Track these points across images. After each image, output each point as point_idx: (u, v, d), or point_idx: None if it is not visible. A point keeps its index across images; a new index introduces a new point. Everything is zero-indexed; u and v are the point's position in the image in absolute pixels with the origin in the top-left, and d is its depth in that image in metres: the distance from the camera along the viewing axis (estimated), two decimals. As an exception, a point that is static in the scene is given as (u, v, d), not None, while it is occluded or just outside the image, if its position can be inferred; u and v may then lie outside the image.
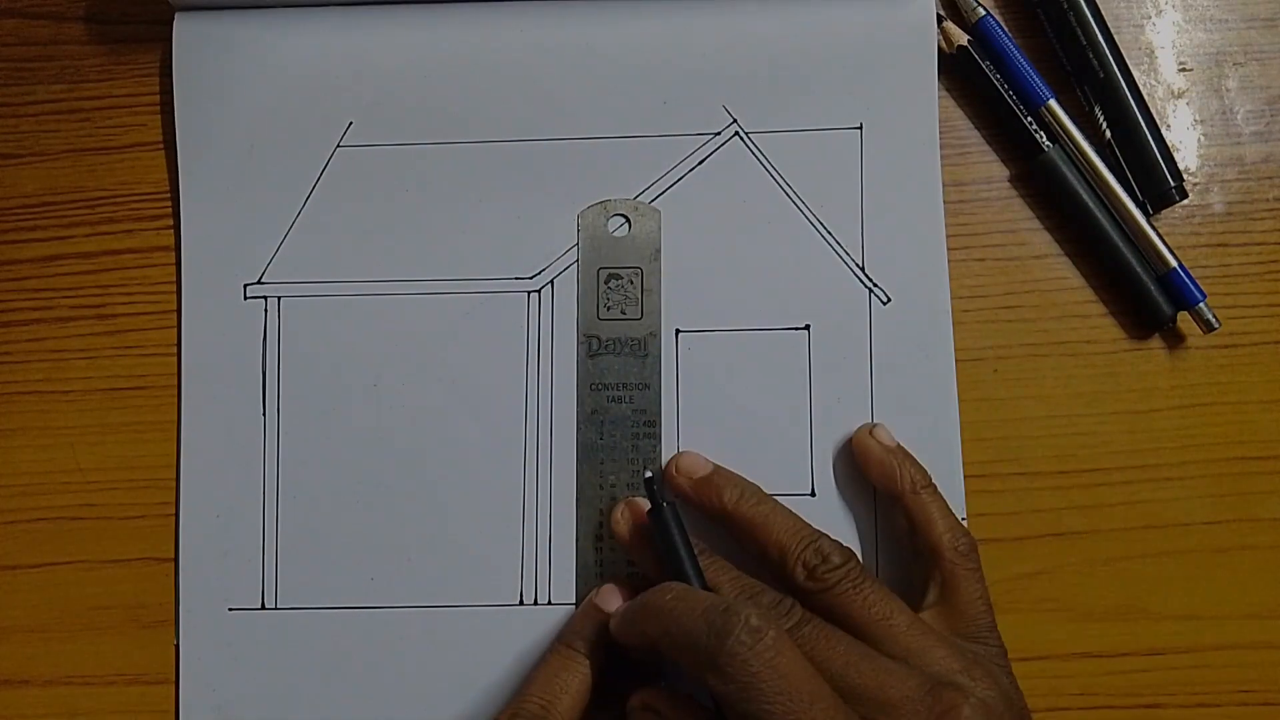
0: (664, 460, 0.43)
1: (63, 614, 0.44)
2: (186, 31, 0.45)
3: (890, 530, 0.42)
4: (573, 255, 0.44)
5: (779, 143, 0.44)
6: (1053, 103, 0.44)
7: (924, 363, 0.43)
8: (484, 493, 0.43)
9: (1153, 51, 0.45)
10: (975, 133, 0.45)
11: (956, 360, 0.43)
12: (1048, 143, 0.44)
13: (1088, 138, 0.44)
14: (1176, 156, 0.44)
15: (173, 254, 0.45)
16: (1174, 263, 0.43)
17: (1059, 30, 0.44)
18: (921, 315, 0.43)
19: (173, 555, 0.44)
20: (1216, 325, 0.43)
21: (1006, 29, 0.45)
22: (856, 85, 0.44)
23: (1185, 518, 0.43)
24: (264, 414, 0.44)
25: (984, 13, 0.44)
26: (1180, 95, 0.45)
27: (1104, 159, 0.44)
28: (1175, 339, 0.44)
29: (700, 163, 0.44)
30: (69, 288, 0.45)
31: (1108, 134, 0.44)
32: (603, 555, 0.43)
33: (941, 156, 0.44)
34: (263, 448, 0.44)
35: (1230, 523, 0.43)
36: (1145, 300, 0.43)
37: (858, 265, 0.43)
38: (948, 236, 0.44)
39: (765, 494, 0.40)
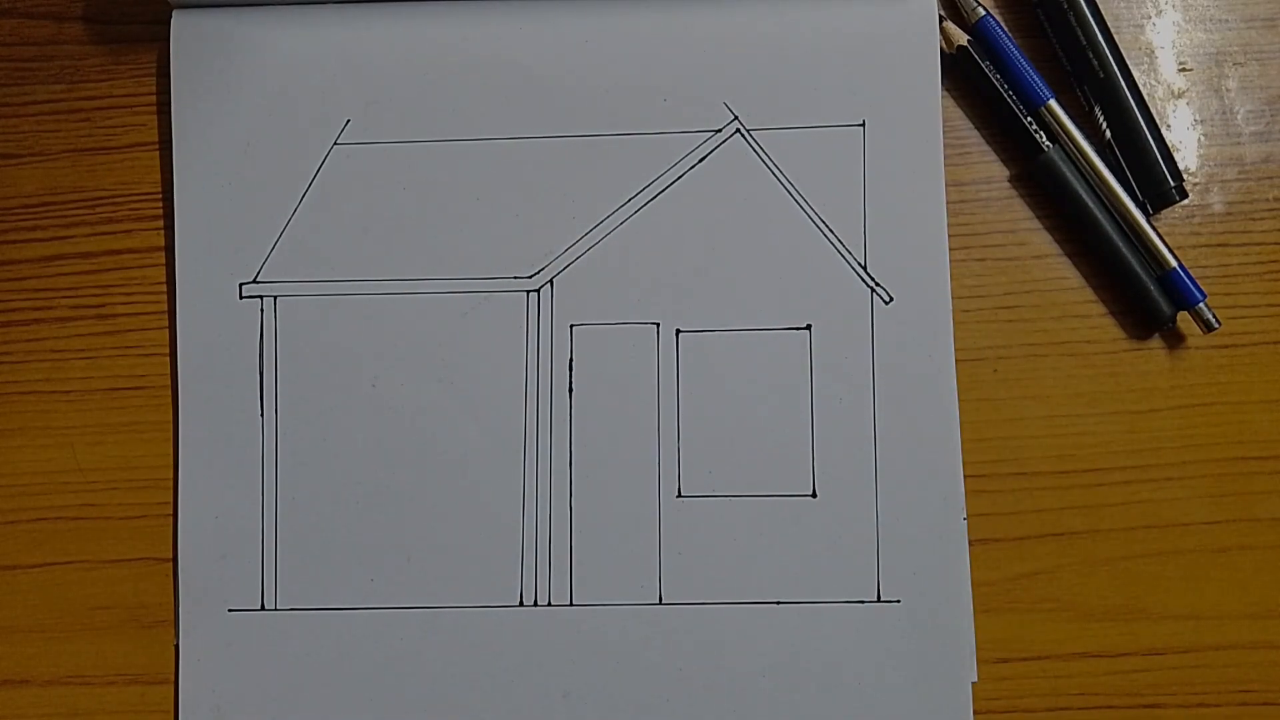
0: (659, 462, 0.43)
1: (63, 614, 0.44)
2: (184, 28, 0.45)
3: (890, 532, 0.42)
4: (572, 254, 0.44)
5: (781, 140, 0.44)
6: (1053, 103, 0.44)
7: (925, 363, 0.43)
8: (483, 493, 0.43)
9: (1153, 51, 0.45)
10: (975, 133, 0.45)
11: (956, 360, 0.43)
12: (1048, 143, 0.44)
13: (1088, 138, 0.44)
14: (1176, 156, 0.44)
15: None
16: (1174, 263, 0.43)
17: (1059, 30, 0.44)
18: (923, 315, 0.43)
19: (172, 556, 0.44)
20: (1216, 325, 0.43)
21: (1006, 29, 0.45)
22: (859, 82, 0.44)
23: (1185, 518, 0.43)
24: (262, 414, 0.44)
25: (984, 13, 0.44)
26: (1180, 95, 0.45)
27: (1104, 159, 0.44)
28: (1175, 339, 0.44)
29: (701, 160, 0.44)
30: (69, 288, 0.45)
31: (1108, 134, 0.44)
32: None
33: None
34: (261, 448, 0.44)
35: (1230, 523, 0.43)
36: (1145, 300, 0.43)
37: (860, 264, 0.43)
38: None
39: None
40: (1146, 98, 0.44)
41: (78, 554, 0.44)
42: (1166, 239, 0.44)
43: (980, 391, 0.44)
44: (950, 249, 0.44)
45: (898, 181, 0.44)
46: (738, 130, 0.44)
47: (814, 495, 0.43)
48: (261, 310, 0.44)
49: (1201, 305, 0.43)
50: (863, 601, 0.42)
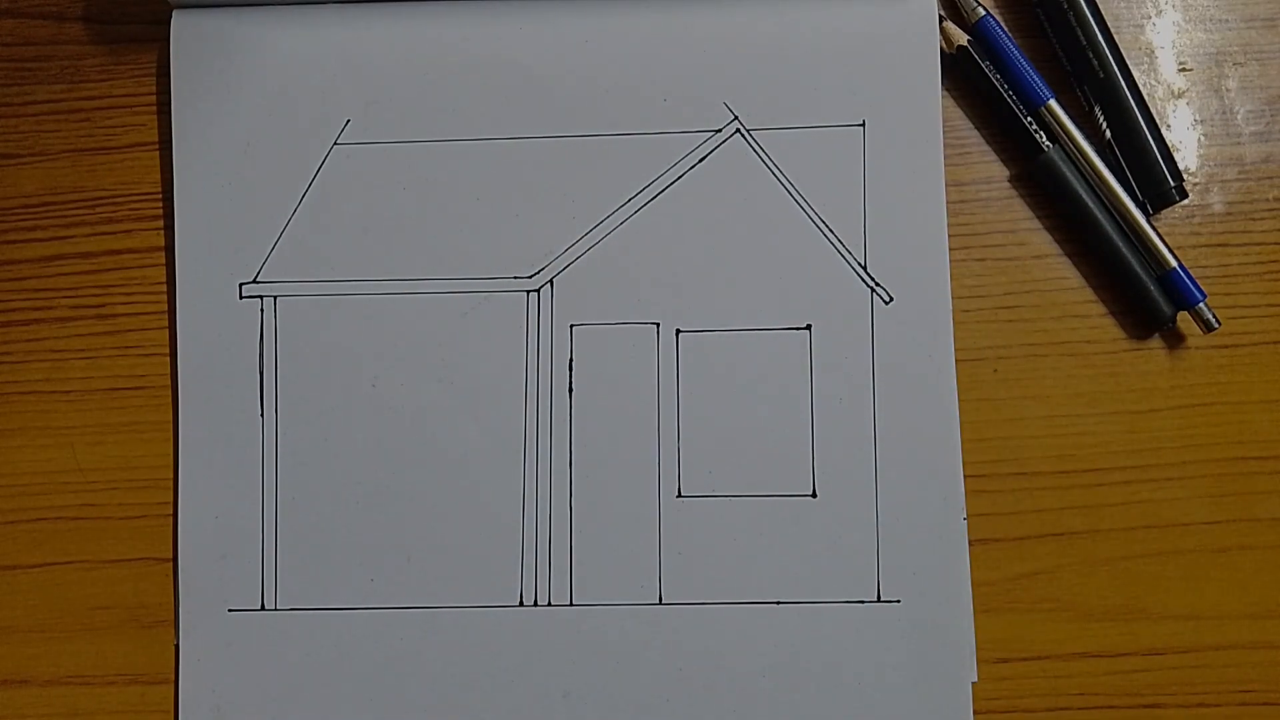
0: (659, 462, 0.43)
1: (63, 614, 0.44)
2: (184, 28, 0.45)
3: (890, 532, 0.42)
4: (572, 254, 0.44)
5: (781, 140, 0.44)
6: (1053, 103, 0.44)
7: (925, 363, 0.43)
8: (483, 493, 0.43)
9: (1153, 51, 0.45)
10: (975, 133, 0.45)
11: (956, 360, 0.43)
12: (1048, 143, 0.44)
13: (1088, 138, 0.44)
14: (1176, 156, 0.44)
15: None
16: (1174, 263, 0.43)
17: (1059, 30, 0.44)
18: (923, 315, 0.43)
19: (172, 556, 0.44)
20: (1216, 325, 0.43)
21: (1006, 29, 0.45)
22: (859, 82, 0.44)
23: (1185, 518, 0.43)
24: (262, 414, 0.44)
25: (984, 13, 0.44)
26: (1180, 95, 0.45)
27: (1104, 159, 0.44)
28: (1175, 339, 0.44)
29: (701, 160, 0.44)
30: (69, 288, 0.45)
31: (1108, 134, 0.44)
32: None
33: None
34: (261, 448, 0.44)
35: (1230, 523, 0.43)
36: (1145, 300, 0.43)
37: (860, 264, 0.43)
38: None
39: None
40: (1146, 98, 0.44)
41: (78, 554, 0.44)
42: (1166, 239, 0.44)
43: (980, 391, 0.44)
44: (950, 249, 0.44)
45: (898, 181, 0.44)
46: (738, 130, 0.44)
47: (814, 495, 0.43)
48: (261, 310, 0.44)
49: (1201, 305, 0.43)
50: (863, 601, 0.42)
